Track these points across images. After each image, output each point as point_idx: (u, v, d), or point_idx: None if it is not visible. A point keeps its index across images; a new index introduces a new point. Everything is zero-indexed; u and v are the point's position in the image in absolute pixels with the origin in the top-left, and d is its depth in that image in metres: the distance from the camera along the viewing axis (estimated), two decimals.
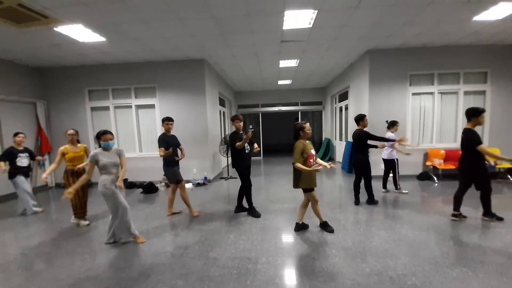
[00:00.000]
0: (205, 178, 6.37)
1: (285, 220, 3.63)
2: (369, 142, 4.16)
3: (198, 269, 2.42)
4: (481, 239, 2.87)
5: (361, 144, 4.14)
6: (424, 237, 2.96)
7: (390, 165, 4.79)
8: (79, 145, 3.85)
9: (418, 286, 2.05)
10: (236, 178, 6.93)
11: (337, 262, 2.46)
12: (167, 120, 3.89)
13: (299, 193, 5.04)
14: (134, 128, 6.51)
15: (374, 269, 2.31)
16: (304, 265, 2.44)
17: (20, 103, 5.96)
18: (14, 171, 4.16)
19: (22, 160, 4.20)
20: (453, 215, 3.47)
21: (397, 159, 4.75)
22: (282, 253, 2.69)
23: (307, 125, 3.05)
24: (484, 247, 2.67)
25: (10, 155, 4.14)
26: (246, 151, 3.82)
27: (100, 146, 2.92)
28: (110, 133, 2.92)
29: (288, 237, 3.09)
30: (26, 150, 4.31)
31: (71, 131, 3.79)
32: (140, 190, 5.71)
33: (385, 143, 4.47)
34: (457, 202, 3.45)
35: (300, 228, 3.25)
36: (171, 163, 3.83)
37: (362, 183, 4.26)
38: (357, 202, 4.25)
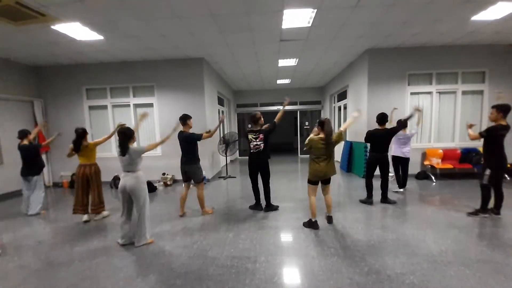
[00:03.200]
0: (204, 177, 6.32)
1: (284, 219, 3.63)
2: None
3: (197, 268, 2.42)
4: (479, 238, 2.89)
5: (388, 142, 4.10)
6: (422, 236, 2.97)
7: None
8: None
9: (416, 284, 2.06)
10: (234, 177, 6.93)
11: (336, 261, 2.46)
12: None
13: (298, 192, 5.08)
14: (132, 127, 6.46)
15: (373, 268, 2.32)
16: (303, 264, 2.45)
17: (17, 102, 5.92)
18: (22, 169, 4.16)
19: None
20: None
21: (394, 156, 4.78)
22: (281, 252, 2.70)
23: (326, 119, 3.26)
24: (482, 245, 2.69)
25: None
26: (251, 151, 3.88)
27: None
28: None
29: (287, 236, 3.10)
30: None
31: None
32: None
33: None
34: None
35: (310, 225, 3.28)
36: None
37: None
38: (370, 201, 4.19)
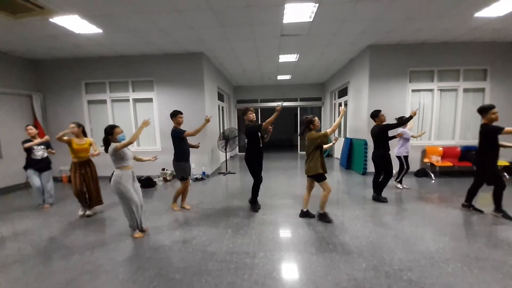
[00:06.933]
0: (203, 173, 6.36)
1: (283, 215, 3.64)
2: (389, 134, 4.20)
3: (196, 263, 2.43)
4: (477, 235, 2.90)
5: (381, 138, 4.12)
6: (420, 233, 2.98)
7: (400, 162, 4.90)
8: (85, 138, 3.88)
9: (413, 281, 2.07)
10: (234, 173, 6.94)
11: (334, 256, 2.48)
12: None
13: (297, 189, 5.09)
14: (131, 122, 6.45)
15: (370, 264, 2.33)
16: (301, 259, 2.46)
17: (16, 96, 5.87)
18: (27, 163, 4.10)
19: (37, 153, 4.06)
20: (463, 205, 3.70)
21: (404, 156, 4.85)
22: (280, 247, 2.71)
23: (316, 118, 3.31)
24: (480, 243, 2.70)
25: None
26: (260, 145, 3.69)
27: (106, 142, 2.92)
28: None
29: (285, 232, 3.11)
30: (41, 143, 4.11)
31: (71, 125, 3.77)
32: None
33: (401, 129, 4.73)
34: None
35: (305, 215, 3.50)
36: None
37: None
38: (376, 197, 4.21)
